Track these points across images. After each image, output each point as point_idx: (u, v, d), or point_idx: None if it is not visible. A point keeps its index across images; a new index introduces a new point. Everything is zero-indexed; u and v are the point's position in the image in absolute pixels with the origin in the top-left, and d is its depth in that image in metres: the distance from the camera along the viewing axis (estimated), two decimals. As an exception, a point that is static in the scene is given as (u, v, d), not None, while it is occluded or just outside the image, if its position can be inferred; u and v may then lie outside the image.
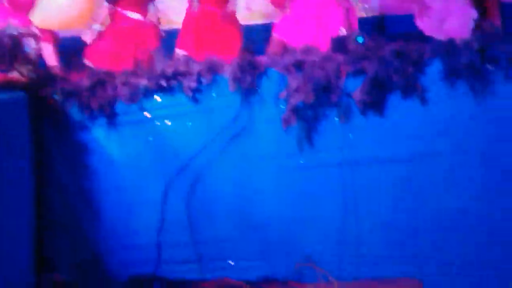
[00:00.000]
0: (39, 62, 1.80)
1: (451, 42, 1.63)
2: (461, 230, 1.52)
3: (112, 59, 2.37)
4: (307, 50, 1.70)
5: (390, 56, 1.59)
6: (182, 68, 1.67)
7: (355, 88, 1.58)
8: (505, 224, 1.51)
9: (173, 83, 1.65)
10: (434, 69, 1.57)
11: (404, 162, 1.58)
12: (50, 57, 2.29)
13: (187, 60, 1.74)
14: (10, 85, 1.61)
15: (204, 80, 1.63)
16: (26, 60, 1.68)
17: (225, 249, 1.60)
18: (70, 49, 2.43)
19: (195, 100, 1.64)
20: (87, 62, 2.38)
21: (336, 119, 1.60)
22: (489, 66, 1.55)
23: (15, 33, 1.70)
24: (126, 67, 1.94)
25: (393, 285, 1.19)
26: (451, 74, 1.56)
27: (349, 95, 1.59)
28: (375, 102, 1.58)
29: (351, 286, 1.18)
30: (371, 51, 1.62)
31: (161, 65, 1.68)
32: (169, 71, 1.65)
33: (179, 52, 2.49)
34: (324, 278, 1.20)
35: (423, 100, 1.57)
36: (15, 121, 1.57)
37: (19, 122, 1.59)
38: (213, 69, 1.67)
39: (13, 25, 1.85)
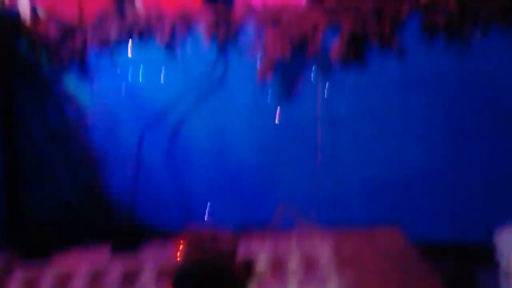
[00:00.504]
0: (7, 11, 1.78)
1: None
2: (432, 183, 1.57)
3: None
4: (284, 7, 1.66)
5: (367, 11, 1.57)
6: (154, 19, 1.65)
7: (332, 44, 1.56)
8: (475, 172, 1.56)
9: (146, 34, 1.63)
10: (412, 26, 1.56)
11: (380, 117, 1.59)
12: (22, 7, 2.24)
13: (158, 12, 1.69)
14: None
15: (177, 33, 1.62)
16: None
17: (203, 198, 1.62)
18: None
19: (169, 52, 1.63)
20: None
21: (313, 74, 1.61)
22: (466, 23, 1.54)
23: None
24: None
25: (375, 234, 1.20)
26: (429, 31, 1.55)
27: (326, 50, 1.58)
28: (351, 58, 1.58)
29: (334, 234, 1.18)
30: (348, 7, 1.58)
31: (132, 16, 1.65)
32: (141, 22, 1.64)
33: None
34: (303, 223, 1.21)
35: (401, 56, 1.56)
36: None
37: None
38: (186, 22, 1.64)
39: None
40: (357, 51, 1.60)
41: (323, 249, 1.13)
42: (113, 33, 1.64)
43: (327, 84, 1.60)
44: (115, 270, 1.07)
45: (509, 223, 1.02)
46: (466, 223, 1.56)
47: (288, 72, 1.62)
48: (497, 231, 1.01)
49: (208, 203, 1.63)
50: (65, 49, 1.62)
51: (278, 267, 1.06)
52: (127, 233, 1.19)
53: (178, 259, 0.95)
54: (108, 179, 1.65)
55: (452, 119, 1.58)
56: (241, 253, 1.00)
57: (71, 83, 1.66)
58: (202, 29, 1.62)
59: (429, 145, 1.59)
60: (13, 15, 1.65)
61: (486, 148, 1.56)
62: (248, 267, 0.97)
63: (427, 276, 1.00)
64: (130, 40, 1.63)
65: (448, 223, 1.58)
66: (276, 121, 1.62)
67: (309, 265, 1.06)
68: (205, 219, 1.33)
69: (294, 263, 1.06)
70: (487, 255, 1.32)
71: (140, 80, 1.65)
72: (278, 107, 1.62)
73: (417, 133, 1.60)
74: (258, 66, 1.59)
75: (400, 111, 1.60)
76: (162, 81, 1.64)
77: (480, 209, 1.55)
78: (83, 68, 1.65)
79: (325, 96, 1.61)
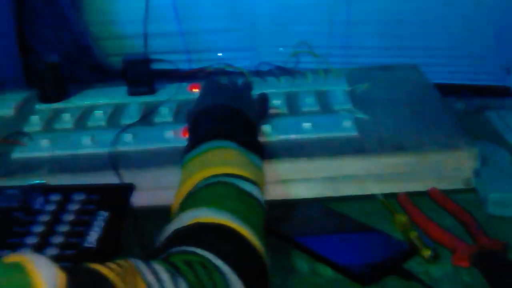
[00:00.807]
0: None
1: None
2: (448, 19, 1.50)
3: None
4: None
5: None
6: None
7: None
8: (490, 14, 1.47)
9: None
10: None
11: None
12: None
13: None
14: None
15: None
16: None
17: (212, 39, 1.59)
18: None
19: None
20: None
21: None
22: None
23: None
24: None
25: (392, 71, 1.20)
26: None
27: None
28: None
29: (350, 72, 1.19)
30: None
31: None
32: None
33: None
34: (319, 65, 1.21)
35: None
36: None
37: None
38: None
39: None
40: None
41: (339, 86, 1.13)
42: None
43: None
44: (134, 105, 1.09)
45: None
46: (483, 64, 1.52)
47: None
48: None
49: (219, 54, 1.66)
50: None
51: (293, 103, 1.08)
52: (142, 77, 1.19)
53: (194, 98, 0.95)
54: (117, 14, 1.58)
55: None
56: (255, 90, 1.01)
57: None
58: None
59: None
60: None
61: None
62: (263, 103, 0.98)
63: (444, 114, 1.01)
64: None
65: (465, 63, 1.54)
66: None
67: (324, 102, 1.08)
68: (220, 62, 1.32)
69: (309, 100, 1.07)
70: (503, 93, 1.37)
71: None
72: None
73: None
74: None
75: None
76: None
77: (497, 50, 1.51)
78: None
79: None
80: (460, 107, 1.28)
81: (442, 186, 0.97)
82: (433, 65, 1.52)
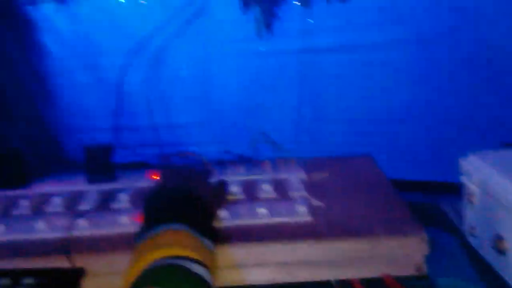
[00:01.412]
0: None
1: None
2: (411, 118, 1.58)
3: None
4: None
5: None
6: None
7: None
8: (457, 110, 1.56)
9: None
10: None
11: (364, 49, 1.60)
12: None
13: None
14: None
15: None
16: None
17: (183, 133, 1.65)
18: None
19: None
20: None
21: (297, 3, 1.58)
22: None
23: None
24: None
25: (348, 162, 1.24)
26: None
27: None
28: None
29: (308, 162, 1.22)
30: None
31: None
32: None
33: None
34: (281, 155, 1.24)
35: None
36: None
37: None
38: None
39: None
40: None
41: (296, 174, 1.17)
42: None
43: (309, 12, 1.56)
44: (92, 193, 1.10)
45: (474, 152, 1.07)
46: (437, 161, 1.57)
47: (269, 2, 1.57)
48: (463, 160, 1.06)
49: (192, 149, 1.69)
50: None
51: (250, 189, 1.10)
52: (102, 164, 1.20)
53: (152, 184, 0.97)
54: (89, 108, 1.66)
55: (439, 53, 1.54)
56: (215, 178, 1.04)
57: (48, 9, 1.60)
58: None
59: (416, 79, 1.56)
60: None
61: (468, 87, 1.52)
62: (221, 189, 1.00)
63: (396, 202, 1.04)
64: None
65: (421, 159, 1.61)
66: (260, 48, 1.61)
67: (281, 189, 1.10)
68: (183, 151, 1.35)
69: (266, 187, 1.09)
70: (455, 190, 1.40)
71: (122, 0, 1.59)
72: (260, 35, 1.57)
73: (401, 70, 1.58)
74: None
75: (384, 44, 1.57)
76: (142, 2, 1.58)
77: (451, 147, 1.61)
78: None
79: (308, 26, 1.58)
80: (422, 200, 1.32)
81: (395, 272, 0.98)
82: (396, 160, 1.58)
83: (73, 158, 1.51)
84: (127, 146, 1.47)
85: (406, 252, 0.97)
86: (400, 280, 0.95)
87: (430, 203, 1.28)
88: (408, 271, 0.97)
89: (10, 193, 1.18)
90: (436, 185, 1.55)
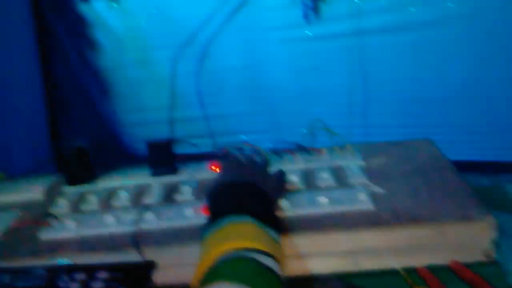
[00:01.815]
0: None
1: None
2: (466, 97, 1.57)
3: None
4: None
5: None
6: None
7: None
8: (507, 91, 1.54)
9: None
10: None
11: (413, 30, 1.58)
12: None
13: None
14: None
15: None
16: None
17: (235, 123, 1.69)
18: None
19: None
20: None
21: None
22: None
23: None
24: None
25: (406, 145, 1.22)
26: None
27: None
28: None
29: (365, 147, 1.20)
30: None
31: None
32: None
33: None
34: (337, 141, 1.24)
35: None
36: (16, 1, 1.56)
37: (21, 3, 1.58)
38: None
39: None
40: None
41: (354, 161, 1.15)
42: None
43: None
44: (156, 186, 1.13)
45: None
46: (501, 141, 1.58)
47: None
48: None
49: (242, 136, 1.71)
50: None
51: (309, 178, 1.10)
52: (165, 158, 1.23)
53: (214, 176, 0.98)
54: (143, 101, 1.72)
55: (486, 32, 1.51)
56: (273, 168, 1.04)
57: (101, 7, 1.67)
58: None
59: (468, 60, 1.55)
60: None
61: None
62: (280, 179, 1.00)
63: (460, 186, 1.02)
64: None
65: (483, 139, 1.60)
66: (308, 33, 1.63)
67: (340, 177, 1.10)
68: (240, 142, 1.37)
69: (325, 175, 1.09)
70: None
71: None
72: (307, 20, 1.58)
73: (456, 44, 1.56)
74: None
75: (433, 23, 1.55)
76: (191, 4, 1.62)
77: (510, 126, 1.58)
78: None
79: (356, 8, 1.57)
80: (485, 182, 1.29)
81: (463, 258, 0.97)
82: (453, 141, 1.57)
83: (133, 151, 1.55)
84: (183, 138, 1.50)
85: (474, 238, 0.95)
86: (468, 266, 0.95)
87: (494, 186, 1.25)
88: (476, 257, 0.95)
89: (79, 189, 1.23)
90: (497, 166, 1.51)
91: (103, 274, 0.89)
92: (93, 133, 1.63)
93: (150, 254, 0.97)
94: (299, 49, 1.67)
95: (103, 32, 1.72)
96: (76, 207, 1.18)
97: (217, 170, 1.19)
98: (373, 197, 1.05)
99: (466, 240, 0.96)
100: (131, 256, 0.97)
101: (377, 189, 1.10)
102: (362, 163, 1.22)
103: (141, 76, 1.73)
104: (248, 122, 1.71)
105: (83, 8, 1.71)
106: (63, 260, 0.99)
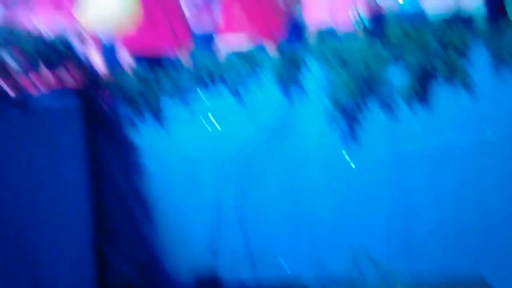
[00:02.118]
0: (89, 65, 1.80)
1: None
2: None
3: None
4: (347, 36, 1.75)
5: (432, 42, 1.57)
6: (224, 63, 1.71)
7: (398, 78, 1.60)
8: None
9: (216, 78, 1.70)
10: (477, 55, 1.56)
11: (453, 154, 1.58)
12: (96, 59, 2.14)
13: (229, 55, 1.79)
14: (64, 91, 1.64)
15: (245, 75, 1.68)
16: (78, 64, 1.70)
17: (276, 247, 1.65)
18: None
19: (237, 95, 1.69)
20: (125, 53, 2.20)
21: (381, 111, 1.63)
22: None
23: (66, 37, 1.70)
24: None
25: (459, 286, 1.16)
26: (496, 59, 1.54)
27: (391, 87, 1.60)
28: (418, 95, 1.59)
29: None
30: (411, 37, 1.59)
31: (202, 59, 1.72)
32: (212, 67, 1.70)
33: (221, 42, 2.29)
34: (383, 279, 1.19)
35: (469, 88, 1.55)
36: (70, 127, 1.63)
37: (74, 128, 1.65)
38: (253, 63, 1.70)
39: (61, 25, 1.86)
40: (424, 86, 1.59)
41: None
42: (184, 81, 1.70)
43: (394, 123, 1.61)
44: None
45: None
46: None
47: (354, 111, 1.63)
48: None
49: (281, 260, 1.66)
50: (141, 99, 1.70)
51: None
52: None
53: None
54: (187, 230, 1.69)
55: None
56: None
57: (148, 133, 1.73)
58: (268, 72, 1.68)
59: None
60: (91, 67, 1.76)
61: None
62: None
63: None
64: (199, 87, 1.69)
65: None
66: (351, 165, 1.63)
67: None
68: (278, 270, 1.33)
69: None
70: None
71: (219, 129, 1.69)
72: (345, 150, 1.63)
73: (496, 171, 1.56)
74: (325, 107, 1.62)
75: (474, 147, 1.57)
76: (234, 129, 1.68)
77: None
78: (158, 117, 1.72)
79: (394, 134, 1.61)
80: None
81: None
82: (501, 273, 1.48)
83: (178, 281, 1.55)
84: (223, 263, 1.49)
85: None
86: None
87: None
88: None
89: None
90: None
91: None
92: (138, 260, 1.63)
93: None
94: (338, 173, 1.65)
95: (151, 158, 1.74)
96: None
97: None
98: None
99: None
100: None
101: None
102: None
103: (187, 205, 1.72)
104: (288, 246, 1.68)
105: (132, 136, 1.75)
106: None
